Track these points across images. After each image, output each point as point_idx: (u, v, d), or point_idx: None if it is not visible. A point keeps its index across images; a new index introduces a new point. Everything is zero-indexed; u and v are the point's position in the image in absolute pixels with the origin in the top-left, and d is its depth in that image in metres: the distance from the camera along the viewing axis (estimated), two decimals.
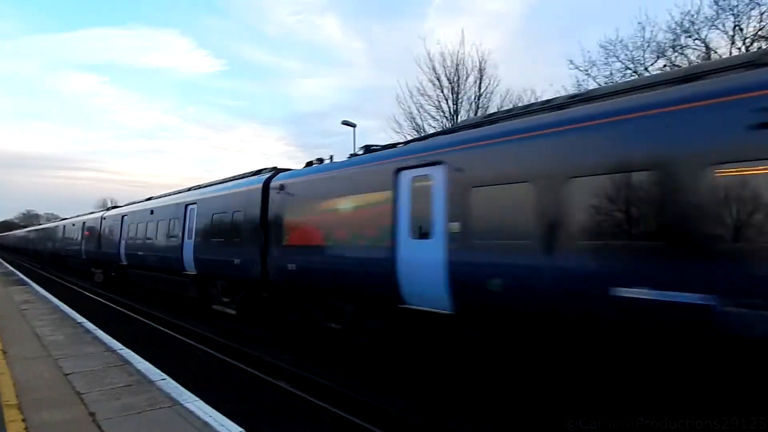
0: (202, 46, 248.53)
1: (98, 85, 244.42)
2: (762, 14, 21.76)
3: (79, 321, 14.38)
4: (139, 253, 23.91)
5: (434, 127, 30.13)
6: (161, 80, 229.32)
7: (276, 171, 15.02)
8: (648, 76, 10.41)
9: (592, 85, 25.46)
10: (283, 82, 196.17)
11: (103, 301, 23.39)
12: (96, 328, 13.23)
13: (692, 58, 23.96)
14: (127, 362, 9.47)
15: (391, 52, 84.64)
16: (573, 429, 6.55)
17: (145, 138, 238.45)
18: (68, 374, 8.59)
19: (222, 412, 6.75)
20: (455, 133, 9.72)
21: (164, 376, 8.57)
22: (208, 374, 10.89)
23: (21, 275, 33.91)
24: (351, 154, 12.81)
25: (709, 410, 5.60)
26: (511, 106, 28.24)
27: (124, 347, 10.85)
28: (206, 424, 6.25)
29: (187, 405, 6.94)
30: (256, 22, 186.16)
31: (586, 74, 26.34)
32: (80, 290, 27.92)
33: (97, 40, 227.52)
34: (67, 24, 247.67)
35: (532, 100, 28.97)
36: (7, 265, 47.20)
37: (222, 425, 6.24)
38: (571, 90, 26.02)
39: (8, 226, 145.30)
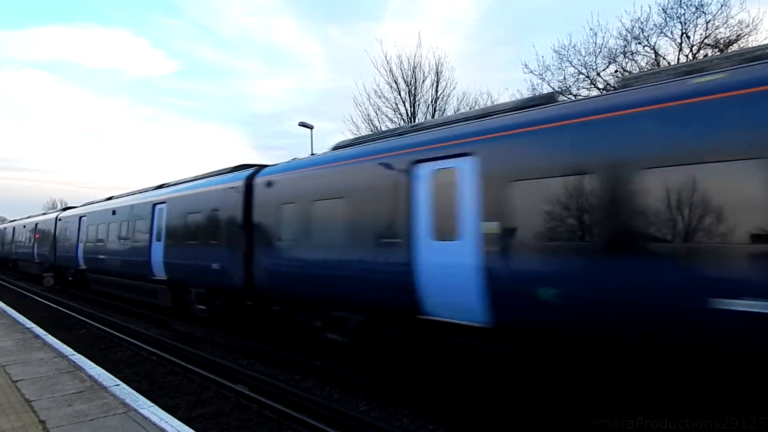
0: (157, 46, 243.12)
1: (48, 84, 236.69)
2: (708, 23, 22.64)
3: (28, 326, 13.96)
4: None
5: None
6: (113, 80, 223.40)
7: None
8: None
9: (546, 89, 26.03)
10: (239, 83, 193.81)
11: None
12: (46, 333, 12.88)
13: (642, 63, 24.74)
14: (78, 368, 9.26)
15: (348, 55, 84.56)
16: (573, 429, 6.61)
17: (96, 138, 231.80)
18: (17, 381, 8.35)
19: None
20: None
21: (117, 381, 8.42)
22: (163, 379, 10.77)
23: None
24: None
25: (708, 410, 5.66)
26: (468, 109, 28.64)
27: (75, 353, 10.61)
28: (162, 430, 6.17)
29: (142, 411, 6.84)
30: (211, 22, 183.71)
31: (541, 78, 26.88)
32: (29, 294, 27.03)
33: (48, 39, 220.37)
34: (15, 22, 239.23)
35: (489, 103, 29.48)
36: None
37: (178, 431, 6.18)
38: (526, 93, 26.57)
39: None
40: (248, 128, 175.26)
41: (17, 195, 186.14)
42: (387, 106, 31.05)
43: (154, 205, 17.78)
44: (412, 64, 30.59)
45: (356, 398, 9.28)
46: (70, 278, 27.88)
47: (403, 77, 30.72)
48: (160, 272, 17.03)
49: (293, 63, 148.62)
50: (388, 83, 31.02)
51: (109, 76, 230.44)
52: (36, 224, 35.26)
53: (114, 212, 21.53)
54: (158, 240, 17.09)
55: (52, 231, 30.28)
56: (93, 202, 26.85)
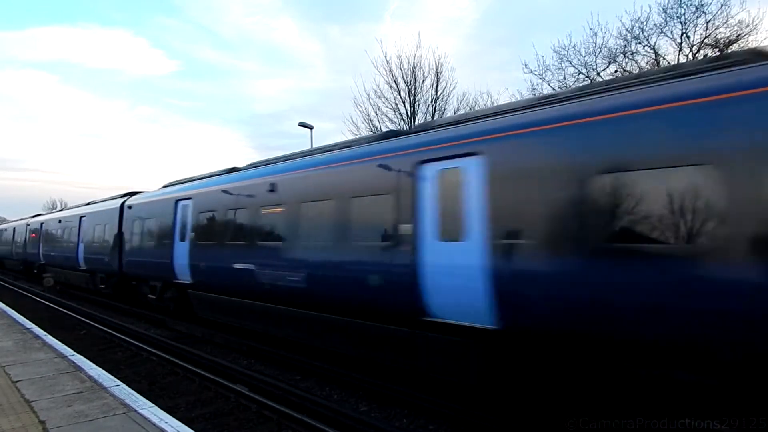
0: (156, 46, 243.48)
1: (48, 84, 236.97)
2: (708, 23, 22.65)
3: (27, 327, 13.95)
4: None
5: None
6: (113, 80, 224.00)
7: None
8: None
9: (546, 89, 26.00)
10: (239, 83, 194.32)
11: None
12: (45, 333, 12.87)
13: (642, 63, 24.75)
14: (78, 368, 9.26)
15: (348, 55, 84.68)
16: (573, 428, 6.59)
17: (96, 138, 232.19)
18: (17, 381, 8.35)
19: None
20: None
21: (117, 382, 8.42)
22: (163, 380, 10.78)
23: None
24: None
25: (709, 410, 5.64)
26: (468, 109, 28.63)
27: (75, 353, 10.60)
28: (162, 430, 6.17)
29: (141, 411, 6.83)
30: (211, 22, 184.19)
31: (541, 78, 26.90)
32: (29, 294, 27.02)
33: (47, 39, 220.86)
34: (15, 22, 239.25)
35: (489, 103, 29.47)
36: None
37: (178, 431, 6.18)
38: (525, 93, 26.52)
39: None
40: (248, 128, 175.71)
41: (17, 195, 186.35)
42: (387, 106, 31.06)
43: (420, 163, 8.83)
44: (412, 64, 30.59)
45: (356, 398, 9.27)
46: (151, 296, 18.41)
47: (402, 77, 30.73)
48: (469, 307, 7.84)
49: (293, 63, 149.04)
50: (388, 83, 31.02)
51: (109, 76, 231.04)
52: (82, 217, 25.38)
53: (273, 188, 12.24)
54: (461, 237, 8.00)
55: (114, 225, 20.89)
56: (189, 180, 17.99)
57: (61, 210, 36.18)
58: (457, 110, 29.98)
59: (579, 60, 25.82)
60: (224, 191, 14.34)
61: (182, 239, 15.97)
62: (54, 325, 16.41)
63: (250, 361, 12.17)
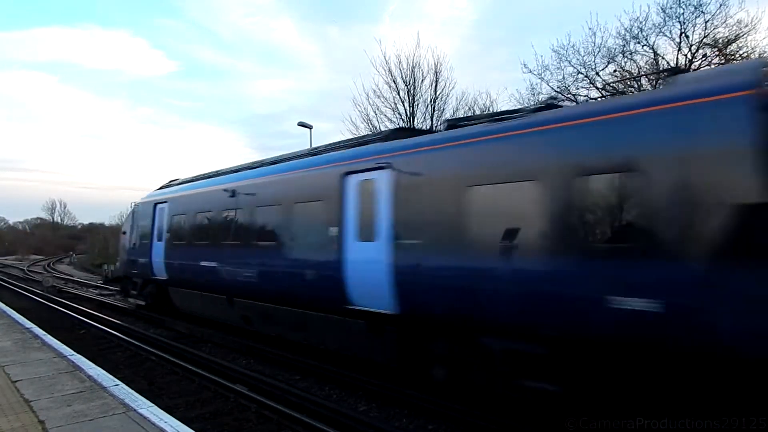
0: (156, 46, 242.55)
1: (47, 84, 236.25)
2: (707, 22, 22.60)
3: (27, 326, 13.93)
4: None
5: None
6: (113, 80, 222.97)
7: None
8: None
9: (545, 89, 26.00)
10: (239, 83, 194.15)
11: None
12: (45, 333, 12.85)
13: (641, 63, 24.72)
14: (78, 368, 9.25)
15: (347, 55, 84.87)
16: (573, 429, 6.60)
17: (96, 139, 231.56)
18: (16, 381, 8.33)
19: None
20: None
21: (117, 381, 8.41)
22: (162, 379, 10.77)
23: None
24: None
25: (708, 410, 5.66)
26: (467, 108, 28.65)
27: (74, 353, 10.59)
28: (162, 430, 6.17)
29: (141, 411, 6.83)
30: (211, 23, 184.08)
31: (540, 78, 26.84)
32: (29, 294, 27.00)
33: (47, 40, 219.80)
34: (15, 23, 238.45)
35: (488, 103, 29.43)
36: None
37: (177, 431, 6.18)
38: (525, 93, 26.49)
39: None
40: (248, 128, 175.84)
41: (17, 195, 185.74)
42: (386, 106, 30.95)
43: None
44: (411, 64, 30.48)
45: (355, 398, 9.28)
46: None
47: (402, 77, 30.63)
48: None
49: (292, 64, 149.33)
50: (387, 83, 30.89)
51: (108, 76, 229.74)
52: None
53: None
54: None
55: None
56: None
57: None
58: (456, 110, 29.96)
59: (578, 60, 25.73)
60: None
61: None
62: (53, 324, 16.41)
63: (250, 360, 12.17)
